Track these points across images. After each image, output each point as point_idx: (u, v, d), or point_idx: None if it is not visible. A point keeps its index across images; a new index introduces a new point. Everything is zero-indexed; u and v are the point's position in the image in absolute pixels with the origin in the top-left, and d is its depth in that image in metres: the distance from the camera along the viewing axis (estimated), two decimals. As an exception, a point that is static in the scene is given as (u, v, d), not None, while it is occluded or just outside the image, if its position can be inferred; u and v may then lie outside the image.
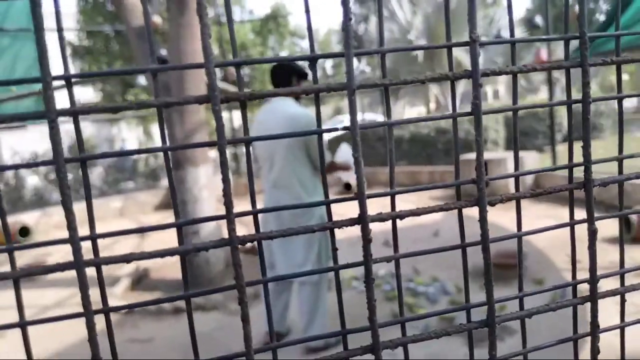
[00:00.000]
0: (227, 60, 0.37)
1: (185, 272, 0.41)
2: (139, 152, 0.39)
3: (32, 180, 10.51)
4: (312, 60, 0.40)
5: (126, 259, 0.37)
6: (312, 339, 0.46)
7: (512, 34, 0.47)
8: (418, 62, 15.93)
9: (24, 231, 7.34)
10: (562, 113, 12.80)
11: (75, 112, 0.35)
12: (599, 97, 0.48)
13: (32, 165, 0.37)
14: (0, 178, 9.70)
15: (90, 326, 0.36)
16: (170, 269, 5.22)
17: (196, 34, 4.75)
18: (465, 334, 3.13)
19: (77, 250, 0.35)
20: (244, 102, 0.38)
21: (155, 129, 18.16)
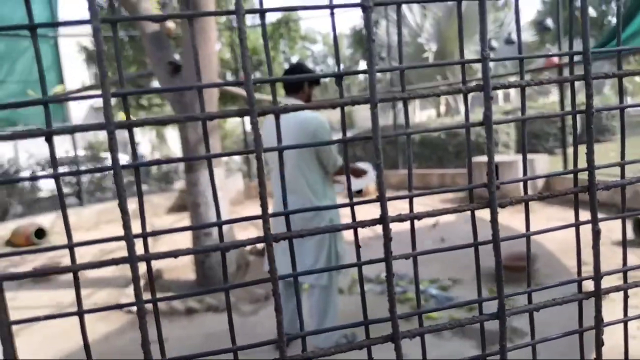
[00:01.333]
0: (263, 78, 0.42)
1: (225, 267, 0.45)
2: (182, 160, 0.43)
3: (47, 183, 10.68)
4: (339, 77, 0.45)
5: (174, 254, 0.41)
6: (335, 328, 0.51)
7: (520, 50, 0.51)
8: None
9: (40, 233, 7.47)
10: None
11: (130, 125, 0.40)
12: (601, 107, 0.52)
13: (91, 171, 0.41)
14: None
15: (141, 315, 0.41)
16: (183, 270, 5.29)
17: (209, 39, 4.82)
18: (476, 337, 3.14)
19: (131, 247, 0.40)
20: (277, 115, 0.42)
21: (168, 132, 18.32)
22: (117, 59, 0.40)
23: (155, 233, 0.44)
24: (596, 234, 0.49)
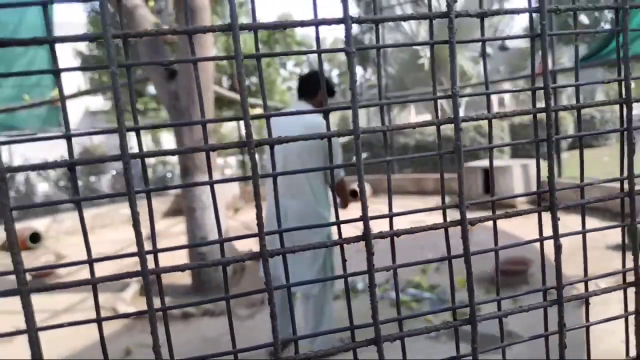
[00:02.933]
0: (260, 114, 0.48)
1: (226, 279, 0.51)
2: (187, 186, 0.49)
3: (42, 187, 10.69)
4: (326, 112, 0.50)
5: (180, 268, 0.47)
6: (322, 333, 0.56)
7: (487, 86, 0.57)
8: (424, 70, 16.10)
9: (35, 237, 7.48)
10: (567, 121, 12.89)
11: (143, 155, 0.45)
12: (562, 135, 0.58)
13: (109, 195, 0.47)
14: (11, 185, 9.88)
15: (153, 322, 0.46)
16: (180, 275, 5.33)
17: (205, 45, 4.88)
18: (468, 341, 3.21)
19: (143, 262, 0.45)
20: (272, 146, 0.48)
21: (164, 137, 18.34)
22: (132, 102, 0.45)
23: (165, 250, 0.50)
24: (558, 248, 0.55)
